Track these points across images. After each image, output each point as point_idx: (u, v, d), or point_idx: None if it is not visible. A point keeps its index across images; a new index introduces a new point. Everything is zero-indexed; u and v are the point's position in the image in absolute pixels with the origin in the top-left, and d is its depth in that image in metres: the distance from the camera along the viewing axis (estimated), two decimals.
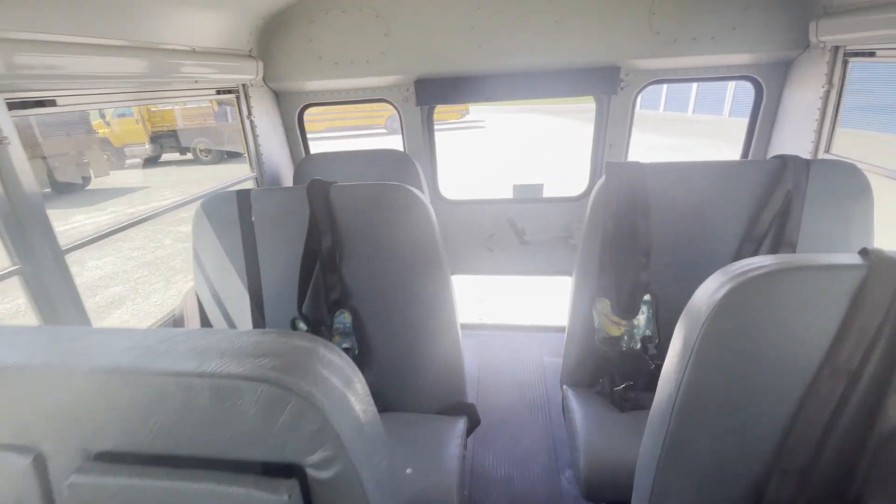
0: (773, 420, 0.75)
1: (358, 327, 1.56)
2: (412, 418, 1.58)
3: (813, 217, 1.47)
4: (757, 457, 0.77)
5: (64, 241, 1.30)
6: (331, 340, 1.57)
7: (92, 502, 0.54)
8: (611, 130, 2.30)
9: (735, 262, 0.77)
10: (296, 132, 2.51)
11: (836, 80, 1.76)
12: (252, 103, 2.18)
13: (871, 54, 1.59)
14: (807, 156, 1.92)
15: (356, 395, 0.57)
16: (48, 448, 0.56)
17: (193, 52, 1.71)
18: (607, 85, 2.12)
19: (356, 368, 0.60)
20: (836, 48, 1.72)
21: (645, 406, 1.55)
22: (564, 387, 1.74)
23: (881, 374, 0.70)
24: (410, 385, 1.61)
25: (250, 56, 2.09)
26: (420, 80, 2.23)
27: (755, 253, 1.51)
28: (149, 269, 6.46)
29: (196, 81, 1.77)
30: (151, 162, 14.27)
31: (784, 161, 1.45)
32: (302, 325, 1.58)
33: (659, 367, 1.67)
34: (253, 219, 1.54)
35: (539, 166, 11.26)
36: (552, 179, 9.80)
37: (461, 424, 1.55)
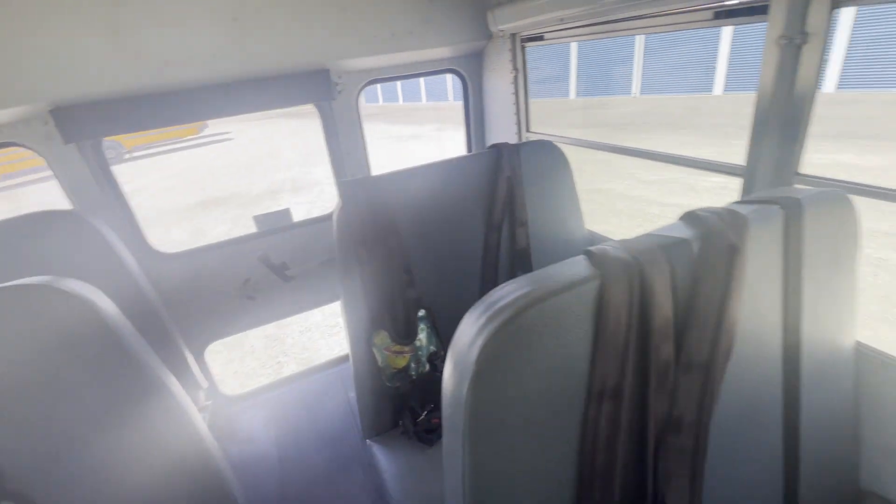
0: (563, 458, 0.67)
1: None
2: None
3: (533, 194, 1.58)
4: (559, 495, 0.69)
5: None
6: None
7: None
8: (344, 139, 2.11)
9: (490, 294, 0.65)
10: None
11: (519, 64, 1.95)
12: None
13: (541, 38, 1.79)
14: (515, 138, 2.12)
15: None
16: None
17: None
18: (321, 90, 1.89)
19: None
20: (514, 35, 1.89)
21: None
22: (368, 442, 1.51)
23: (639, 390, 0.67)
24: None
25: None
26: (59, 109, 1.55)
27: (499, 240, 1.56)
28: None
29: None
30: None
31: (499, 149, 1.51)
32: None
33: None
34: None
35: (304, 178, 10.62)
36: (324, 194, 9.42)
37: None
